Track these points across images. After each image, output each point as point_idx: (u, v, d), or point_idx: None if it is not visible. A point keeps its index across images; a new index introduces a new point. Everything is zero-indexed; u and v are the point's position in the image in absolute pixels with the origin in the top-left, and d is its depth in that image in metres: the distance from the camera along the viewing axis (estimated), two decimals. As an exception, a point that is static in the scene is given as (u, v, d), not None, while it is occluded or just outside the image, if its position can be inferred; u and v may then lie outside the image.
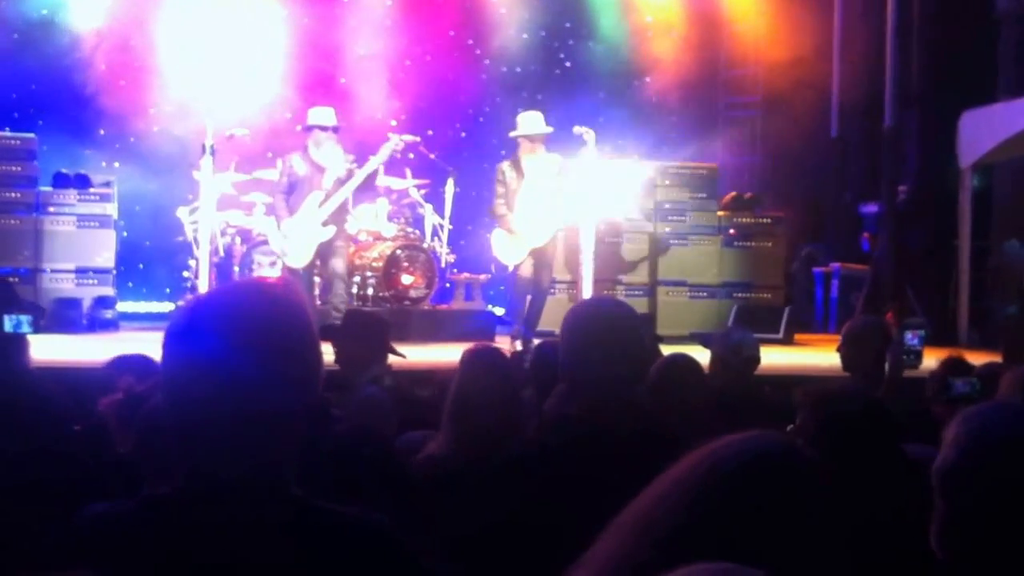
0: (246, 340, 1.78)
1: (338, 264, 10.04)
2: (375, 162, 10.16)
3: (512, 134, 10.23)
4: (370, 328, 5.67)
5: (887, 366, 5.12)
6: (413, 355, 9.49)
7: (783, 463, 1.64)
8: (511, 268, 10.29)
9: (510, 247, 10.12)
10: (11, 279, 10.66)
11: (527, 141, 10.01)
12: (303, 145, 10.06)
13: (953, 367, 5.12)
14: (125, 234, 12.32)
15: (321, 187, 9.88)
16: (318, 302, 10.15)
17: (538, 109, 10.58)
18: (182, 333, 1.83)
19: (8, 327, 4.61)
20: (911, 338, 5.07)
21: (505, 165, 10.15)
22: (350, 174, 10.01)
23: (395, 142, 10.27)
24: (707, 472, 1.62)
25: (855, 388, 4.50)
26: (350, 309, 8.25)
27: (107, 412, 3.67)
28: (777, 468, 1.63)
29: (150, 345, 4.80)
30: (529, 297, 10.24)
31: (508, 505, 2.82)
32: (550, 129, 10.13)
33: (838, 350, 5.54)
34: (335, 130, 10.03)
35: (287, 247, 9.96)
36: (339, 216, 10.02)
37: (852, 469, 2.91)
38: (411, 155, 12.25)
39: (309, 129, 10.04)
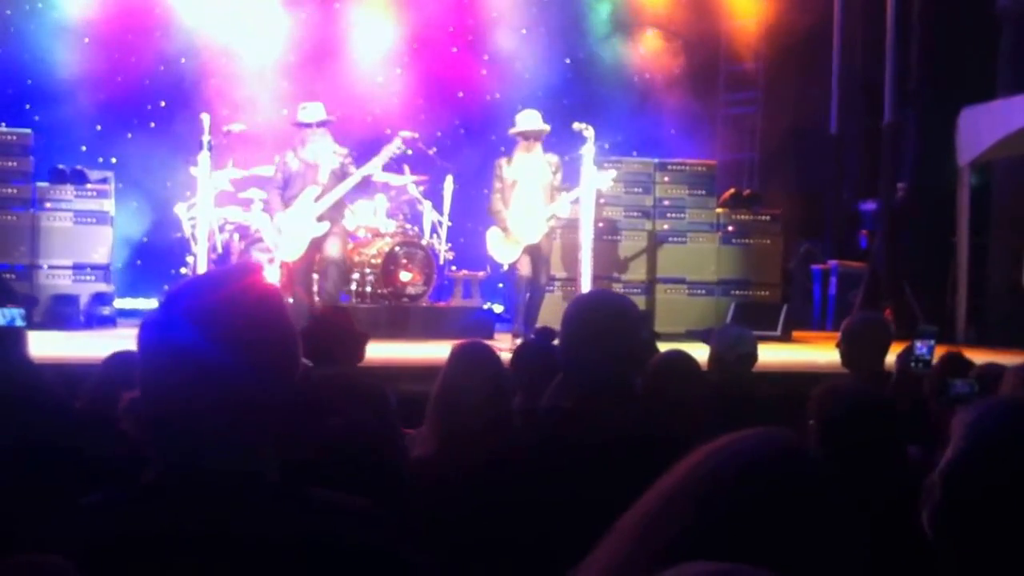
0: (220, 327, 1.78)
1: (332, 249, 9.90)
2: (376, 162, 10.12)
3: (511, 132, 10.25)
4: (340, 328, 5.46)
5: (895, 373, 5.05)
6: (411, 352, 9.51)
7: (788, 461, 1.61)
8: (506, 266, 10.28)
9: (505, 244, 10.12)
10: (7, 275, 10.65)
11: (524, 139, 10.02)
12: (296, 141, 10.01)
13: (951, 365, 5.10)
14: (122, 230, 12.29)
15: (316, 182, 9.84)
16: (316, 297, 10.11)
17: (537, 105, 10.56)
18: (157, 323, 1.83)
19: (1, 322, 4.59)
20: (920, 347, 5.00)
21: (503, 161, 10.16)
22: (343, 168, 9.95)
23: (396, 144, 10.23)
24: (710, 473, 1.59)
25: (862, 387, 4.47)
26: (322, 307, 8.11)
27: (128, 408, 3.63)
28: (783, 466, 1.61)
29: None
30: (528, 294, 10.23)
31: (498, 503, 2.79)
32: (547, 127, 10.13)
33: (837, 346, 5.52)
34: (323, 124, 9.94)
35: (280, 241, 9.93)
36: (334, 212, 9.97)
37: (855, 468, 2.89)
38: (409, 151, 12.24)
39: (298, 127, 9.99)
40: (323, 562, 1.77)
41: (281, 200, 9.91)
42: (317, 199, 9.81)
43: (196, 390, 1.76)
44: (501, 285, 13.25)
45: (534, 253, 10.08)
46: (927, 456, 3.66)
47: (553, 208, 10.03)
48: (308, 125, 9.88)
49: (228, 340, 1.78)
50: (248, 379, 1.78)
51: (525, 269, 10.09)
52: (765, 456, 1.61)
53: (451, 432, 3.59)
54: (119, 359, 4.33)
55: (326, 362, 4.83)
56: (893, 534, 2.67)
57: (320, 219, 9.82)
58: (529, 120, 10.09)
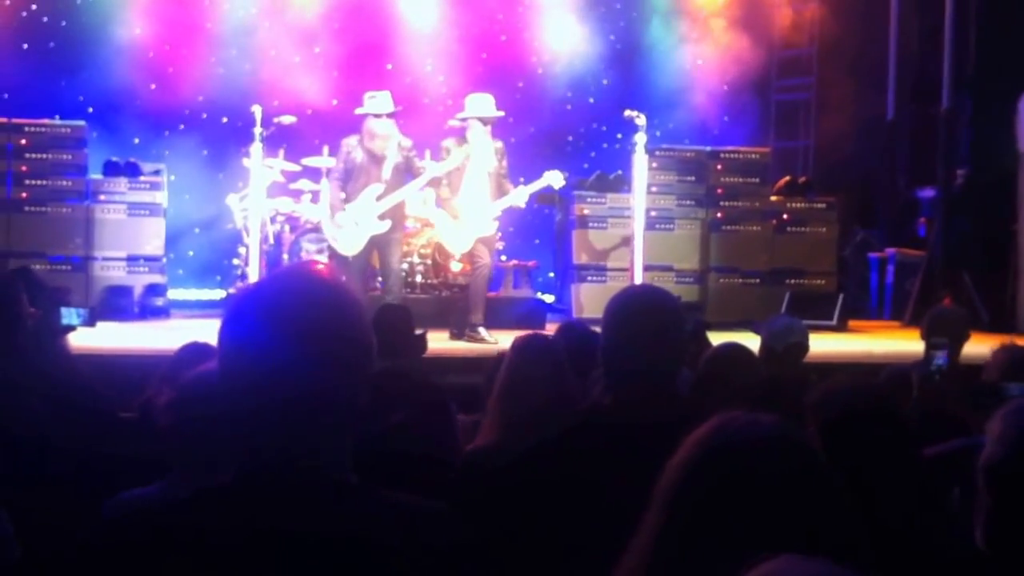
0: (295, 326, 1.79)
1: (394, 260, 9.88)
2: (439, 168, 10.01)
3: (464, 116, 9.79)
4: (393, 324, 5.40)
5: (913, 385, 4.96)
6: (461, 343, 9.50)
7: (777, 446, 1.66)
8: (457, 256, 10.12)
9: (456, 234, 9.83)
10: (62, 267, 10.80)
11: (480, 124, 9.64)
12: (363, 131, 9.77)
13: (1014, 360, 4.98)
14: (175, 222, 12.37)
15: (380, 179, 9.65)
16: (374, 292, 10.07)
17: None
18: (233, 321, 1.85)
19: (67, 321, 4.69)
20: (939, 358, 4.95)
21: (451, 144, 9.78)
22: (408, 163, 9.81)
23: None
24: (703, 466, 1.68)
25: (859, 386, 4.37)
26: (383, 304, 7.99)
27: (170, 403, 3.64)
28: (772, 452, 1.66)
29: (200, 332, 4.79)
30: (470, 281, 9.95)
31: (531, 497, 2.76)
32: (501, 113, 9.87)
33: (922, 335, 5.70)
34: (391, 115, 9.72)
35: (339, 235, 9.79)
36: (396, 211, 9.84)
37: (860, 469, 2.82)
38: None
39: (363, 118, 9.78)
40: (395, 564, 1.77)
41: (342, 193, 9.77)
42: (379, 198, 9.67)
43: (272, 388, 1.77)
44: (552, 274, 13.21)
45: (485, 242, 9.80)
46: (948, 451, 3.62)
47: (509, 200, 9.74)
48: (377, 116, 9.71)
49: (302, 338, 1.78)
50: (323, 378, 1.79)
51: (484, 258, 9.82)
52: (755, 443, 1.65)
53: (513, 422, 3.60)
54: (191, 350, 4.32)
55: (385, 356, 4.82)
56: (899, 534, 2.62)
57: (382, 217, 9.70)
58: (486, 106, 9.71)
